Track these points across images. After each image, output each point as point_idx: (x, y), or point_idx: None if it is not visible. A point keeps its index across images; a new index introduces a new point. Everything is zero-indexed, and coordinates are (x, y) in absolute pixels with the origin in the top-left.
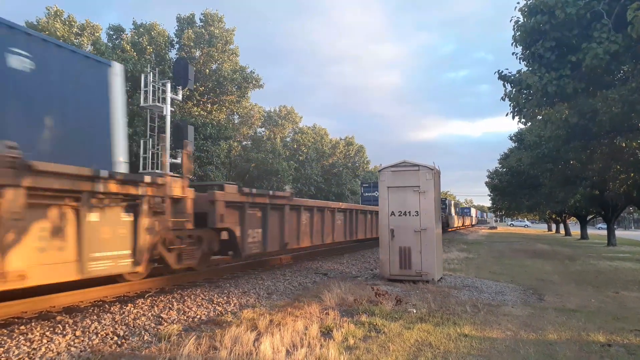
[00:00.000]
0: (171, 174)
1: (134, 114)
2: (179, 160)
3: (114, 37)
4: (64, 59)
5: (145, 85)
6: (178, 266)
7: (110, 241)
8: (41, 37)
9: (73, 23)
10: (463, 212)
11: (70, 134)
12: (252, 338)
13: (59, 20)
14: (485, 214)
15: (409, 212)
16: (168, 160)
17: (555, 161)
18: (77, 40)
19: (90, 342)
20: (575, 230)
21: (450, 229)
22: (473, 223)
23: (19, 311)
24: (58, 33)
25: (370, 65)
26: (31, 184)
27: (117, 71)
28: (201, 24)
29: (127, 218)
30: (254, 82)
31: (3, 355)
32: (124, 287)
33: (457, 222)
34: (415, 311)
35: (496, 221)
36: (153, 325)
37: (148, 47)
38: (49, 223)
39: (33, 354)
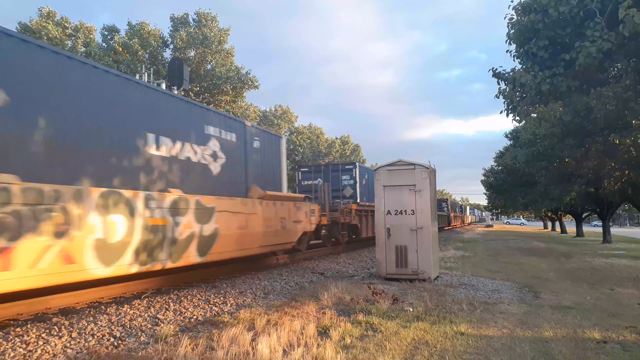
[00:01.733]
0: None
1: None
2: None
3: (109, 37)
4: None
5: None
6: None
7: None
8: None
9: (67, 25)
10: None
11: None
12: (249, 338)
13: (51, 22)
14: (483, 213)
15: (405, 210)
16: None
17: (550, 159)
18: (71, 42)
19: (86, 344)
20: (571, 227)
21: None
22: (475, 220)
23: (15, 313)
24: (50, 35)
25: (365, 64)
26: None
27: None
28: (195, 24)
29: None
30: (249, 83)
31: None
32: (120, 288)
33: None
34: (411, 310)
35: (492, 219)
36: (150, 326)
37: (139, 48)
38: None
39: (29, 356)
